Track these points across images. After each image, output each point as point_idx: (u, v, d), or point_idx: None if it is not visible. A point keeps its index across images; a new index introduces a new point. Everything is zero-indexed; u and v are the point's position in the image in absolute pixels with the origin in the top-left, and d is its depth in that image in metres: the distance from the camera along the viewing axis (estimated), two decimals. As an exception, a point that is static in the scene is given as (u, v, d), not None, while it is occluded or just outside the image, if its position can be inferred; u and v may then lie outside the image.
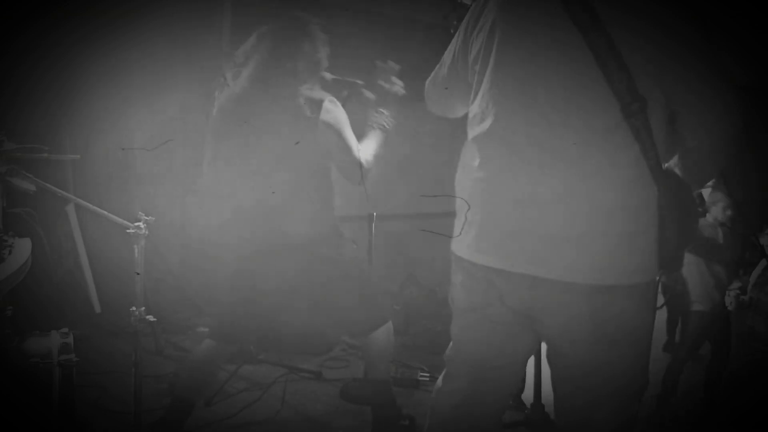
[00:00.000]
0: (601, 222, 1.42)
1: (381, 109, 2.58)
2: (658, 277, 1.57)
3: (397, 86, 2.60)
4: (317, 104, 2.37)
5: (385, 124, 2.57)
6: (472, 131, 1.60)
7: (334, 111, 2.40)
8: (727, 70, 1.41)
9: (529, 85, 1.47)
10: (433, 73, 1.81)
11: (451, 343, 1.75)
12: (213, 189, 2.55)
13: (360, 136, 2.49)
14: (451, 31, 1.82)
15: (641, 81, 1.38)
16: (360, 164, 2.40)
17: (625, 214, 1.42)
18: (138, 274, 2.17)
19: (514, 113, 1.50)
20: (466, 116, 1.67)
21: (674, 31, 1.38)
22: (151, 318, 2.20)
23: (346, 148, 2.39)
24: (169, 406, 2.47)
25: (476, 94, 1.59)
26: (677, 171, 1.53)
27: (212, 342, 2.51)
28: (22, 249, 1.99)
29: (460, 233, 1.61)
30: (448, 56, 1.74)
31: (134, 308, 2.18)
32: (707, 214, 3.42)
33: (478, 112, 1.58)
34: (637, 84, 1.37)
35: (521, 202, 1.48)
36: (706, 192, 3.80)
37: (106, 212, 2.19)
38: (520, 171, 1.48)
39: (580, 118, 1.42)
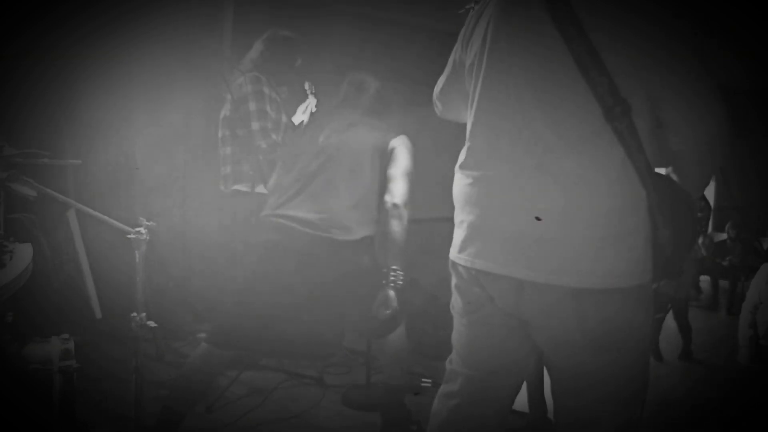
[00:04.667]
0: (584, 225, 1.42)
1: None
2: (655, 284, 1.55)
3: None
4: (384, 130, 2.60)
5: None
6: (466, 136, 1.63)
7: (405, 148, 2.60)
8: (712, 72, 1.41)
9: (515, 91, 1.49)
10: (439, 80, 1.82)
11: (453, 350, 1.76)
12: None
13: None
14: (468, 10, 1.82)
15: (625, 85, 1.39)
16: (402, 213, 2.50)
17: (609, 216, 1.42)
18: (138, 279, 2.17)
19: (501, 119, 1.52)
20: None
21: (656, 36, 1.38)
22: (151, 323, 2.20)
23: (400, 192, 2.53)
24: (160, 414, 2.42)
25: (471, 99, 1.61)
26: (674, 177, 1.53)
27: (208, 347, 2.48)
28: (23, 254, 1.99)
29: (454, 237, 1.64)
30: (450, 62, 1.76)
31: (135, 314, 2.18)
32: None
33: (471, 117, 1.61)
34: (620, 88, 1.38)
35: (507, 206, 1.49)
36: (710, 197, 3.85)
37: (106, 217, 2.19)
38: (506, 175, 1.50)
39: (563, 122, 1.43)
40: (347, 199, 2.48)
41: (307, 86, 3.51)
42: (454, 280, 1.68)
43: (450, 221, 1.68)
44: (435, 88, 1.85)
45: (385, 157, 2.57)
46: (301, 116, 3.45)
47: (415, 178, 2.59)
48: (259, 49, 3.47)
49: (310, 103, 3.44)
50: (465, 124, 1.68)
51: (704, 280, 7.00)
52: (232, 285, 2.50)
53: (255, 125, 3.20)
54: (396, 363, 2.66)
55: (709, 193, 7.88)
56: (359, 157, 2.54)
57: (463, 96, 1.69)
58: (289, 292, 2.39)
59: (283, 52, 3.45)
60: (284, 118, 3.35)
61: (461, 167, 1.63)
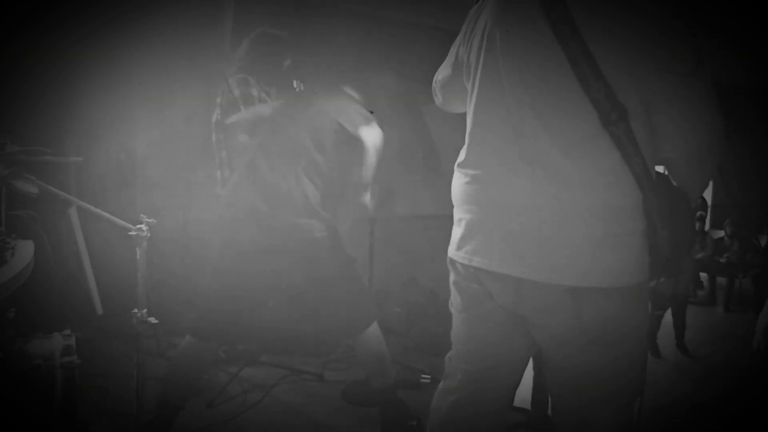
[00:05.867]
0: (581, 225, 1.43)
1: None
2: (653, 282, 1.56)
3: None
4: (355, 117, 2.50)
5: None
6: (466, 135, 1.64)
7: (373, 131, 2.51)
8: (711, 73, 1.41)
9: (511, 92, 1.50)
10: (438, 71, 1.83)
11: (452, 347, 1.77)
12: (228, 191, 2.61)
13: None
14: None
15: (621, 88, 1.39)
16: (372, 191, 2.53)
17: (606, 216, 1.43)
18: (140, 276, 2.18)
19: (497, 118, 1.53)
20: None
21: (649, 41, 1.38)
22: (152, 320, 2.20)
23: (367, 172, 2.50)
24: (156, 409, 2.45)
25: (470, 99, 1.62)
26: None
27: (192, 339, 2.50)
28: (25, 251, 2.00)
29: (452, 234, 1.65)
30: (449, 58, 1.77)
31: (136, 310, 2.19)
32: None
33: (470, 117, 1.62)
34: (616, 91, 1.39)
35: (505, 205, 1.50)
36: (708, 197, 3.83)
37: (108, 215, 2.19)
38: (504, 175, 1.51)
39: (559, 126, 1.44)
40: (312, 188, 2.48)
41: (295, 84, 3.50)
42: (452, 278, 1.69)
43: (449, 219, 1.69)
44: (436, 76, 1.85)
45: (342, 142, 2.52)
46: None
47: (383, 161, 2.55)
48: (246, 48, 3.40)
49: None
50: (465, 122, 1.68)
51: (702, 276, 7.02)
52: (212, 278, 2.52)
53: None
54: (374, 362, 2.65)
55: (706, 191, 7.88)
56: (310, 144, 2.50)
57: (463, 93, 1.70)
58: (266, 287, 2.41)
59: (272, 52, 3.39)
60: None
61: (460, 166, 1.64)
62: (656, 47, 1.37)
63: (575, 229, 1.43)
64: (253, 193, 2.45)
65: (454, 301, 1.72)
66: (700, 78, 1.40)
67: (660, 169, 1.52)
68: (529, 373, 2.91)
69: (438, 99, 1.88)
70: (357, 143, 2.49)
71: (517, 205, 1.48)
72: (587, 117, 1.40)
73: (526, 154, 1.47)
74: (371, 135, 2.52)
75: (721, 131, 1.43)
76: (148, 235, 2.18)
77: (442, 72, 1.81)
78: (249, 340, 3.16)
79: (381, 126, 2.59)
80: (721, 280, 6.93)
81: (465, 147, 1.64)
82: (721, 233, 7.18)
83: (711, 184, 7.94)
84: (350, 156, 2.51)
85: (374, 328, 2.59)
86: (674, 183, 1.52)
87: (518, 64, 1.49)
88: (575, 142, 1.43)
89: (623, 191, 1.43)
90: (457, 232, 1.63)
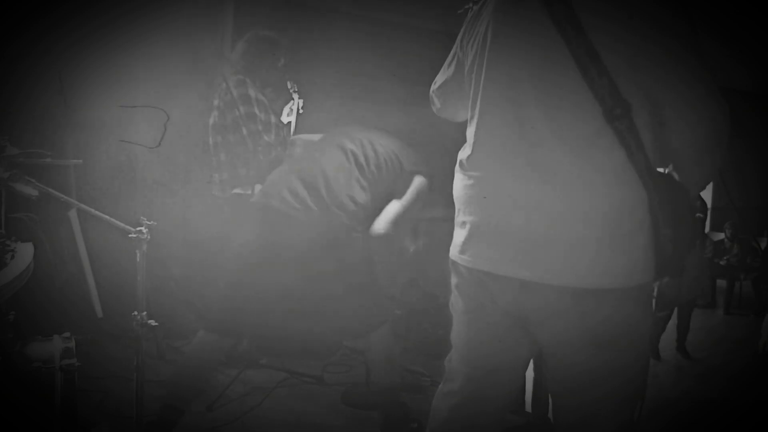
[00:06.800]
0: (584, 226, 1.43)
1: None
2: (656, 283, 1.56)
3: None
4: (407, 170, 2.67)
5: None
6: (467, 136, 1.64)
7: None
8: (711, 71, 1.41)
9: (515, 92, 1.50)
10: (437, 78, 1.83)
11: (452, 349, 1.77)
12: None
13: None
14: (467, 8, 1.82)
15: (624, 85, 1.39)
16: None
17: (609, 217, 1.43)
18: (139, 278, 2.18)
19: (501, 119, 1.53)
20: (466, 121, 1.68)
21: (654, 35, 1.38)
22: (152, 322, 2.20)
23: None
24: (159, 411, 2.45)
25: (473, 100, 1.62)
26: (674, 175, 1.54)
27: (205, 335, 2.49)
28: (25, 254, 1.99)
29: (454, 237, 1.65)
30: (448, 62, 1.77)
31: (136, 313, 2.18)
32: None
33: (472, 117, 1.62)
34: (620, 88, 1.39)
35: (508, 206, 1.50)
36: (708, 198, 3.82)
37: (108, 217, 2.19)
38: (506, 175, 1.51)
39: (563, 123, 1.44)
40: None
41: (289, 86, 3.51)
42: (454, 280, 1.69)
43: (448, 221, 1.69)
44: (432, 85, 1.85)
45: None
46: (287, 117, 3.46)
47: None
48: (241, 50, 3.43)
49: (296, 102, 3.45)
50: (464, 124, 1.68)
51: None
52: (228, 274, 2.52)
53: (245, 130, 3.21)
54: (384, 362, 2.65)
55: (706, 193, 7.90)
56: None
57: (461, 96, 1.69)
58: (283, 283, 2.41)
59: (266, 53, 3.41)
60: (273, 119, 3.35)
61: (462, 167, 1.63)
62: (655, 46, 1.38)
63: (577, 229, 1.43)
64: (295, 184, 2.52)
65: (455, 303, 1.71)
66: (701, 76, 1.40)
67: (660, 169, 1.52)
68: (529, 375, 2.91)
69: (436, 106, 1.88)
70: (408, 177, 2.66)
71: (520, 206, 1.48)
72: (591, 113, 1.41)
73: (530, 155, 1.47)
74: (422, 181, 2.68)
75: (726, 120, 1.42)
76: (148, 237, 2.18)
77: (441, 77, 1.81)
78: (263, 341, 3.16)
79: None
80: (721, 283, 6.93)
81: (467, 148, 1.63)
82: (721, 236, 7.18)
83: (711, 186, 7.95)
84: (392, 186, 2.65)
85: (386, 330, 2.60)
86: (677, 178, 1.51)
87: (522, 63, 1.49)
88: (580, 140, 1.43)
89: (627, 190, 1.43)
90: (460, 235, 1.62)
